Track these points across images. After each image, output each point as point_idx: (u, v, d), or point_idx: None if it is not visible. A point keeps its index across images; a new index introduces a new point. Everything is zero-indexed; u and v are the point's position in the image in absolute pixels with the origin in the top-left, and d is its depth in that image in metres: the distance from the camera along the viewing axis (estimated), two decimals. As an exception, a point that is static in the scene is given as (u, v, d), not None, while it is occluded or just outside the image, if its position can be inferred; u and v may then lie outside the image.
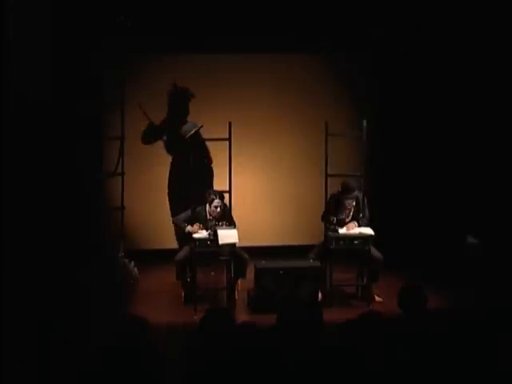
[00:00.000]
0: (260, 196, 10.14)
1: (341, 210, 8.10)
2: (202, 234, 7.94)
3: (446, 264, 8.50)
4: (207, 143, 9.45)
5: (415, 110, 9.55)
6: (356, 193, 8.10)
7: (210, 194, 8.11)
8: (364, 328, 3.67)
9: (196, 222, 8.07)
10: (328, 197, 8.18)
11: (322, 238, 8.16)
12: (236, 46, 9.48)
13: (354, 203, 8.12)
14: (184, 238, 8.20)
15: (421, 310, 4.56)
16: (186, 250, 8.05)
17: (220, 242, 7.75)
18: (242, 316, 7.44)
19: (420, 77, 9.43)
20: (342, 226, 8.00)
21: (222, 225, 7.93)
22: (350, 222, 8.10)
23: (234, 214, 8.33)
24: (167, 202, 9.89)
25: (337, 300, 7.93)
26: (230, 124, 8.13)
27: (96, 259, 8.37)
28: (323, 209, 8.23)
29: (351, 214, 8.14)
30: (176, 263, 8.04)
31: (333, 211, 8.10)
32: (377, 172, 9.72)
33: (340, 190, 8.11)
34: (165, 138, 8.05)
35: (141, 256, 9.00)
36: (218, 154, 8.75)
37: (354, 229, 8.00)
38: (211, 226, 7.94)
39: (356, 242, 7.96)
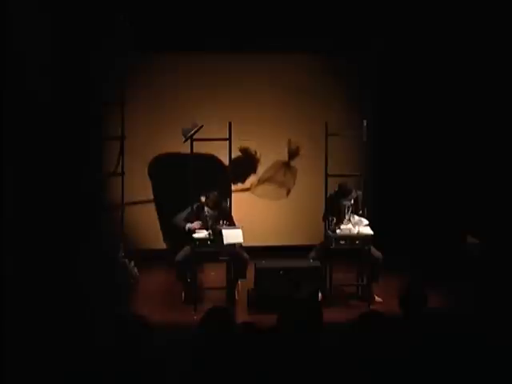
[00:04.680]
0: (260, 196, 10.13)
1: (338, 211, 8.09)
2: (202, 233, 7.95)
3: (446, 264, 8.50)
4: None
5: (415, 109, 9.55)
6: (353, 194, 8.09)
7: (207, 197, 8.11)
8: (364, 328, 3.67)
9: (197, 220, 8.07)
10: (326, 198, 8.19)
11: (322, 238, 8.17)
12: (236, 45, 9.47)
13: (352, 203, 8.11)
14: (183, 237, 8.18)
15: (421, 310, 4.56)
16: (186, 250, 8.05)
17: (225, 242, 7.75)
18: (242, 316, 7.44)
19: (420, 77, 9.43)
20: (339, 227, 7.99)
21: (222, 224, 7.94)
22: (350, 221, 8.10)
23: (234, 214, 8.33)
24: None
25: (337, 300, 7.94)
26: (230, 124, 8.13)
27: (96, 259, 8.37)
28: (323, 209, 8.23)
29: (349, 214, 8.13)
30: (176, 263, 8.04)
31: (330, 212, 8.09)
32: (377, 172, 9.71)
33: (336, 191, 8.11)
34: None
35: (141, 256, 9.00)
36: (217, 154, 8.76)
37: (360, 225, 7.99)
38: (210, 225, 7.94)
39: (356, 242, 7.96)
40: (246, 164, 9.84)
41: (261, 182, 10.11)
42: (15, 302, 6.80)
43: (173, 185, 9.34)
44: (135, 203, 9.63)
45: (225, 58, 9.72)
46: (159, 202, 9.86)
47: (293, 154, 10.01)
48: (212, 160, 9.48)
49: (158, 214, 9.85)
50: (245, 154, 9.85)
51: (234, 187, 8.15)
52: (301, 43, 9.49)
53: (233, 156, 8.19)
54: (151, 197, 9.88)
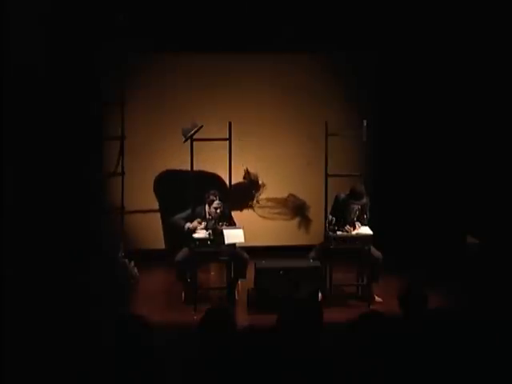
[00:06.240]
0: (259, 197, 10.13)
1: (345, 214, 8.06)
2: (202, 233, 7.95)
3: (445, 264, 8.51)
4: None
5: (415, 109, 9.55)
6: (364, 199, 8.06)
7: (209, 195, 8.11)
8: (364, 328, 3.67)
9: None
10: (334, 198, 8.15)
11: (322, 238, 8.16)
12: (236, 45, 9.47)
13: (360, 208, 8.08)
14: (182, 238, 8.18)
15: (421, 310, 4.56)
16: (185, 250, 8.05)
17: (226, 242, 7.75)
18: (242, 316, 7.45)
19: (419, 76, 9.43)
20: (342, 229, 7.97)
21: (222, 225, 7.94)
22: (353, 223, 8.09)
23: (234, 214, 8.33)
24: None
25: (337, 300, 7.94)
26: (230, 124, 8.13)
27: (96, 259, 8.38)
28: (323, 209, 8.23)
29: (355, 217, 8.11)
30: (176, 263, 8.04)
31: (337, 213, 8.05)
32: (377, 172, 9.71)
33: (348, 194, 8.05)
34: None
35: (141, 256, 9.00)
36: (217, 154, 8.75)
37: (357, 229, 7.99)
38: (211, 225, 7.94)
39: (356, 242, 7.96)
40: (245, 163, 9.83)
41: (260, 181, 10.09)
42: (15, 302, 6.80)
43: (176, 190, 9.29)
44: (135, 203, 9.62)
45: (224, 58, 9.72)
46: (162, 206, 9.84)
47: (293, 153, 9.98)
48: (213, 166, 9.45)
49: (161, 216, 9.85)
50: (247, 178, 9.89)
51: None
52: (301, 43, 9.48)
53: (233, 156, 8.20)
54: (151, 197, 9.87)
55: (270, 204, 10.02)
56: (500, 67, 8.64)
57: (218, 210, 8.07)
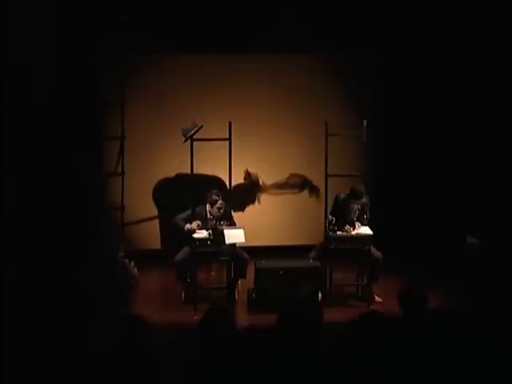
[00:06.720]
0: (260, 196, 10.12)
1: (345, 214, 8.06)
2: (202, 233, 7.95)
3: (445, 264, 8.50)
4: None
5: (415, 109, 9.55)
6: (364, 199, 8.06)
7: (212, 195, 8.10)
8: (364, 328, 3.67)
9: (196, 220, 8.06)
10: (334, 198, 8.15)
11: (322, 238, 8.16)
12: (236, 45, 9.47)
13: (360, 207, 8.08)
14: (182, 238, 8.17)
15: (421, 310, 4.55)
16: (185, 250, 8.05)
17: (226, 242, 7.75)
18: (242, 316, 7.45)
19: (420, 76, 9.43)
20: (342, 229, 7.96)
21: (222, 224, 7.94)
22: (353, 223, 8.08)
23: (234, 214, 8.32)
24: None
25: (337, 300, 7.95)
26: (230, 124, 8.13)
27: (96, 259, 8.38)
28: (323, 209, 8.22)
29: (355, 217, 8.10)
30: (176, 263, 8.04)
31: (337, 213, 8.05)
32: (376, 172, 9.71)
33: (348, 194, 8.05)
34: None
35: (141, 256, 9.00)
36: (217, 154, 8.76)
37: (357, 229, 7.99)
38: (211, 225, 7.94)
39: (356, 242, 7.96)
40: (245, 163, 9.82)
41: (260, 181, 10.08)
42: (15, 302, 6.80)
43: (176, 193, 9.28)
44: (135, 203, 9.62)
45: (224, 58, 9.71)
46: (162, 208, 9.83)
47: (293, 153, 9.97)
48: (213, 166, 9.43)
49: (160, 217, 9.84)
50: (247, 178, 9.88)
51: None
52: (301, 43, 9.48)
53: (233, 156, 8.20)
54: (151, 197, 9.87)
55: (271, 191, 10.00)
56: (500, 67, 8.64)
57: (221, 210, 8.07)
